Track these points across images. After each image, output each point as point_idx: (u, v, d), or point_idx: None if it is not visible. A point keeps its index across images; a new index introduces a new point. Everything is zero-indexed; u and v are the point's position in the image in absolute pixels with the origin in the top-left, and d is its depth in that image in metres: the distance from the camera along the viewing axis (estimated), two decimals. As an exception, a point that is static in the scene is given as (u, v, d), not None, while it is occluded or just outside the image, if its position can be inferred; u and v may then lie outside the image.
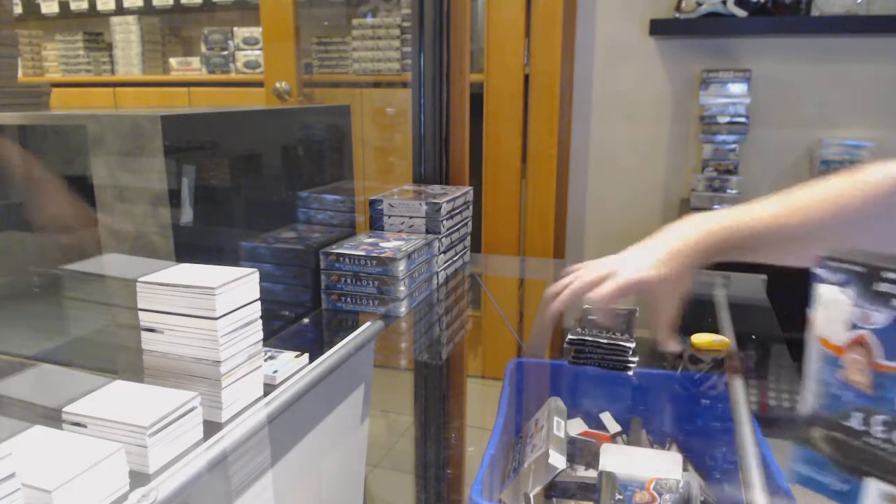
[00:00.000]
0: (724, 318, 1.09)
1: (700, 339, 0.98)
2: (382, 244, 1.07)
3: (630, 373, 0.91)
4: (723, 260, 0.88)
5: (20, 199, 0.91)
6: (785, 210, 0.85)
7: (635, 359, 0.91)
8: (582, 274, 0.92)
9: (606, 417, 1.02)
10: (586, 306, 1.06)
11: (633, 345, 0.91)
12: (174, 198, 0.78)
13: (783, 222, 0.85)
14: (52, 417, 0.59)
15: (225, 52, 3.15)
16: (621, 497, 0.78)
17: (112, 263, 0.82)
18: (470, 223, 1.37)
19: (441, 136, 1.49)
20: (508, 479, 0.88)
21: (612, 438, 0.97)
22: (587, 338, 0.92)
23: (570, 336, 0.93)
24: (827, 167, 2.18)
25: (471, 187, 1.39)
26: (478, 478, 0.74)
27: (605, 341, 0.91)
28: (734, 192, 2.22)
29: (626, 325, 0.97)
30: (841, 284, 0.57)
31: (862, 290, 0.55)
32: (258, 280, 0.69)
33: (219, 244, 0.89)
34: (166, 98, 3.19)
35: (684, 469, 0.82)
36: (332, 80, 2.87)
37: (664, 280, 0.85)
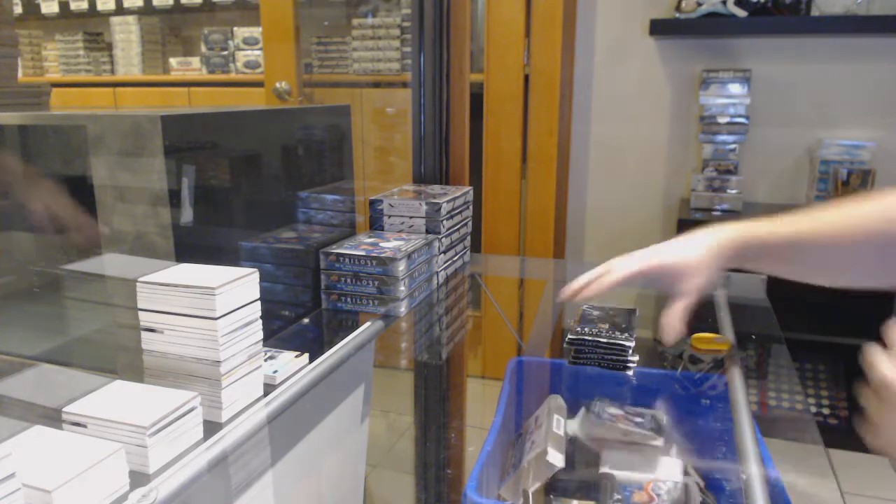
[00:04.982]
0: (724, 318, 1.09)
1: (700, 339, 0.98)
2: (382, 244, 1.07)
3: (630, 372, 0.91)
4: (745, 267, 0.89)
5: (20, 201, 0.91)
6: (808, 229, 0.84)
7: (635, 358, 0.91)
8: (618, 261, 0.92)
9: (606, 417, 1.02)
10: (585, 306, 1.06)
11: (632, 344, 0.91)
12: (174, 198, 0.78)
13: (804, 239, 0.84)
14: (52, 417, 0.59)
15: (225, 52, 3.15)
16: (620, 497, 0.78)
17: (112, 263, 0.82)
18: (470, 223, 1.37)
19: (441, 136, 1.49)
20: (508, 476, 0.89)
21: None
22: (587, 337, 0.92)
23: (569, 336, 0.93)
24: (827, 167, 2.18)
25: (471, 187, 1.39)
26: (473, 474, 0.75)
27: (605, 340, 0.91)
28: (734, 192, 2.22)
29: (626, 324, 0.97)
30: None
31: None
32: (258, 280, 0.69)
33: (219, 244, 0.89)
34: (166, 98, 3.19)
35: (685, 473, 0.82)
36: (332, 80, 2.87)
37: (693, 267, 0.87)
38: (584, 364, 0.92)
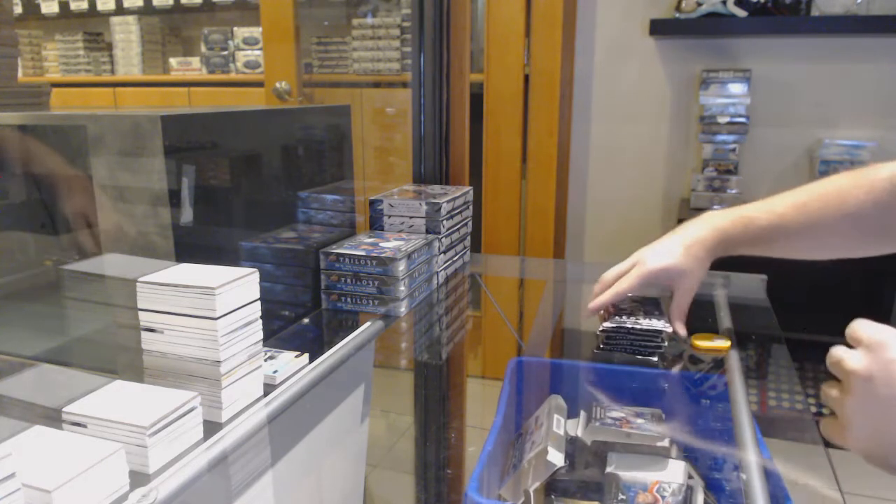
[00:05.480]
0: (724, 318, 1.09)
1: (700, 339, 0.98)
2: (382, 244, 1.07)
3: (656, 357, 0.95)
4: (733, 254, 0.96)
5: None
6: (790, 208, 0.91)
7: (665, 344, 0.94)
8: (610, 271, 1.00)
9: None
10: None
11: (669, 329, 0.95)
12: (174, 198, 0.78)
13: (788, 220, 0.90)
14: (52, 417, 0.59)
15: (225, 52, 3.15)
16: (624, 497, 0.78)
17: (112, 263, 0.82)
18: (470, 223, 1.37)
19: (441, 136, 1.49)
20: (508, 476, 0.89)
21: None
22: (626, 325, 0.96)
23: (604, 324, 0.97)
24: (827, 167, 2.18)
25: (471, 187, 1.39)
26: (474, 475, 0.74)
27: (641, 327, 0.96)
28: (734, 191, 2.22)
29: (657, 311, 1.00)
30: None
31: None
32: (258, 280, 0.69)
33: (219, 244, 0.89)
34: (166, 98, 3.18)
35: (690, 476, 0.82)
36: (332, 80, 2.87)
37: (682, 269, 0.94)
38: (614, 351, 0.96)
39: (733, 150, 2.25)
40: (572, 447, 0.90)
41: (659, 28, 2.24)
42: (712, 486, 0.86)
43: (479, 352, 2.28)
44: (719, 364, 0.95)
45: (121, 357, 0.78)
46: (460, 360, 1.42)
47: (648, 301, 1.04)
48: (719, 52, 2.35)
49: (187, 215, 0.80)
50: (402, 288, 1.02)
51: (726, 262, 0.98)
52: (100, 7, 3.35)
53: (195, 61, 3.25)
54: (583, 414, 0.95)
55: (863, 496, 1.86)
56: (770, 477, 0.74)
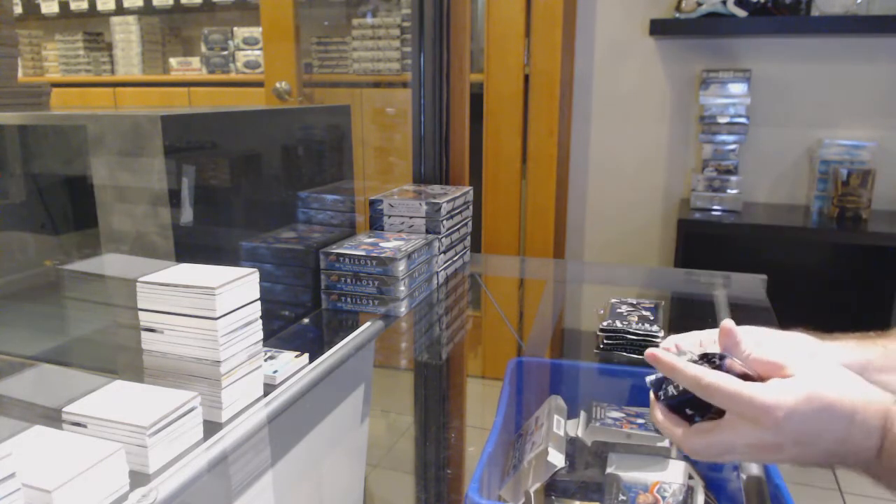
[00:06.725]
0: (724, 317, 1.09)
1: None
2: (382, 244, 1.07)
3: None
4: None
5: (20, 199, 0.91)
6: None
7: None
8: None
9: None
10: (614, 300, 1.08)
11: (663, 334, 0.95)
12: (174, 198, 0.78)
13: None
14: (52, 417, 0.59)
15: (225, 52, 3.15)
16: (625, 498, 0.78)
17: (112, 263, 0.82)
18: (470, 223, 1.37)
19: (441, 136, 1.49)
20: (508, 476, 0.89)
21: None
22: (622, 329, 0.96)
23: (601, 325, 0.97)
24: (827, 167, 2.17)
25: (471, 187, 1.39)
26: (475, 476, 0.75)
27: (635, 330, 0.96)
28: (734, 191, 2.22)
29: (654, 316, 1.00)
30: None
31: None
32: (258, 280, 0.69)
33: (219, 244, 0.89)
34: (166, 98, 3.18)
35: (690, 476, 0.82)
36: (332, 80, 2.87)
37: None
38: (612, 351, 0.96)
39: (733, 150, 2.25)
40: (572, 448, 0.90)
41: (659, 28, 2.23)
42: (712, 486, 0.86)
43: (479, 352, 2.28)
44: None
45: (121, 357, 0.78)
46: (460, 360, 1.42)
47: (647, 307, 1.04)
48: (719, 52, 2.35)
49: (187, 215, 0.80)
50: (402, 288, 1.02)
51: (726, 261, 0.97)
52: (100, 7, 3.35)
53: (195, 61, 3.25)
54: (583, 414, 0.95)
55: (863, 496, 1.85)
56: (770, 477, 0.74)
